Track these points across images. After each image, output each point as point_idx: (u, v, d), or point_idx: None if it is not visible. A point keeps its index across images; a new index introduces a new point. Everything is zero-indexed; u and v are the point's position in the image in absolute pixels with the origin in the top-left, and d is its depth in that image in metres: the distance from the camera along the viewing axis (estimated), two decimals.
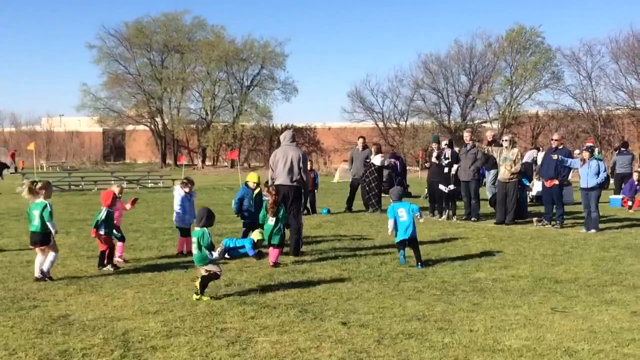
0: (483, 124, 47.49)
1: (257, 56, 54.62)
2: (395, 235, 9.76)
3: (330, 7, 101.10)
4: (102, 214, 9.10)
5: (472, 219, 15.18)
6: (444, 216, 15.52)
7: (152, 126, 57.49)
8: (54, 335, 6.02)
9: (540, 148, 22.27)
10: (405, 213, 9.69)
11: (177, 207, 10.61)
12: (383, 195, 18.57)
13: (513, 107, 46.11)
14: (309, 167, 14.48)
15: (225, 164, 54.62)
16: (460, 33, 70.00)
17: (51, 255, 8.41)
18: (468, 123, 44.91)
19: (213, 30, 56.01)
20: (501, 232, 13.31)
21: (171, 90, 55.55)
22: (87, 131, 63.86)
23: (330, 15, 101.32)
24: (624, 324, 6.36)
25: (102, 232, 9.06)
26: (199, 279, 7.45)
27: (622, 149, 21.98)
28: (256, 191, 11.03)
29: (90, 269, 9.17)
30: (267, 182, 10.87)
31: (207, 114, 56.12)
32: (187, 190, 10.63)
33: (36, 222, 8.34)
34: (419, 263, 9.45)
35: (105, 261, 9.07)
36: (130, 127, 61.58)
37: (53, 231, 8.39)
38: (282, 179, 10.48)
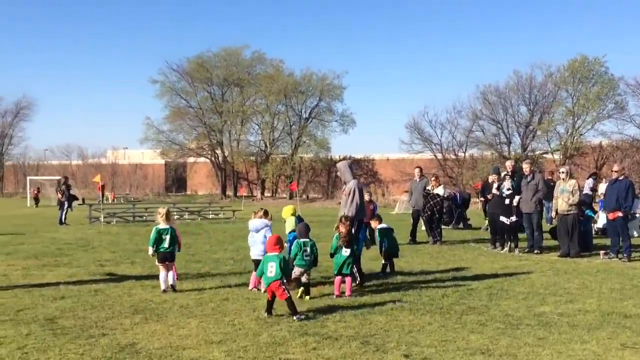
0: (544, 155, 46.71)
1: (315, 89, 55.40)
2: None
3: (387, 40, 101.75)
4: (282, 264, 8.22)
5: (535, 251, 14.88)
6: (506, 248, 15.25)
7: (213, 158, 58.73)
8: None
9: (598, 176, 21.75)
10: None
11: (262, 238, 9.86)
12: (443, 227, 18.45)
13: (575, 138, 45.22)
14: (368, 198, 14.53)
15: (284, 195, 55.12)
16: (518, 64, 69.32)
17: (172, 271, 9.93)
18: (529, 154, 44.21)
19: (272, 63, 57.20)
20: (566, 265, 13.00)
21: (231, 123, 56.73)
22: (150, 163, 65.71)
23: (388, 47, 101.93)
24: None
25: (284, 280, 8.20)
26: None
27: None
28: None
29: (156, 298, 9.37)
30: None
31: (266, 146, 56.98)
32: (269, 220, 10.22)
33: (166, 244, 9.92)
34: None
35: (291, 312, 8.04)
36: (191, 160, 63.12)
37: (177, 251, 10.14)
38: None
